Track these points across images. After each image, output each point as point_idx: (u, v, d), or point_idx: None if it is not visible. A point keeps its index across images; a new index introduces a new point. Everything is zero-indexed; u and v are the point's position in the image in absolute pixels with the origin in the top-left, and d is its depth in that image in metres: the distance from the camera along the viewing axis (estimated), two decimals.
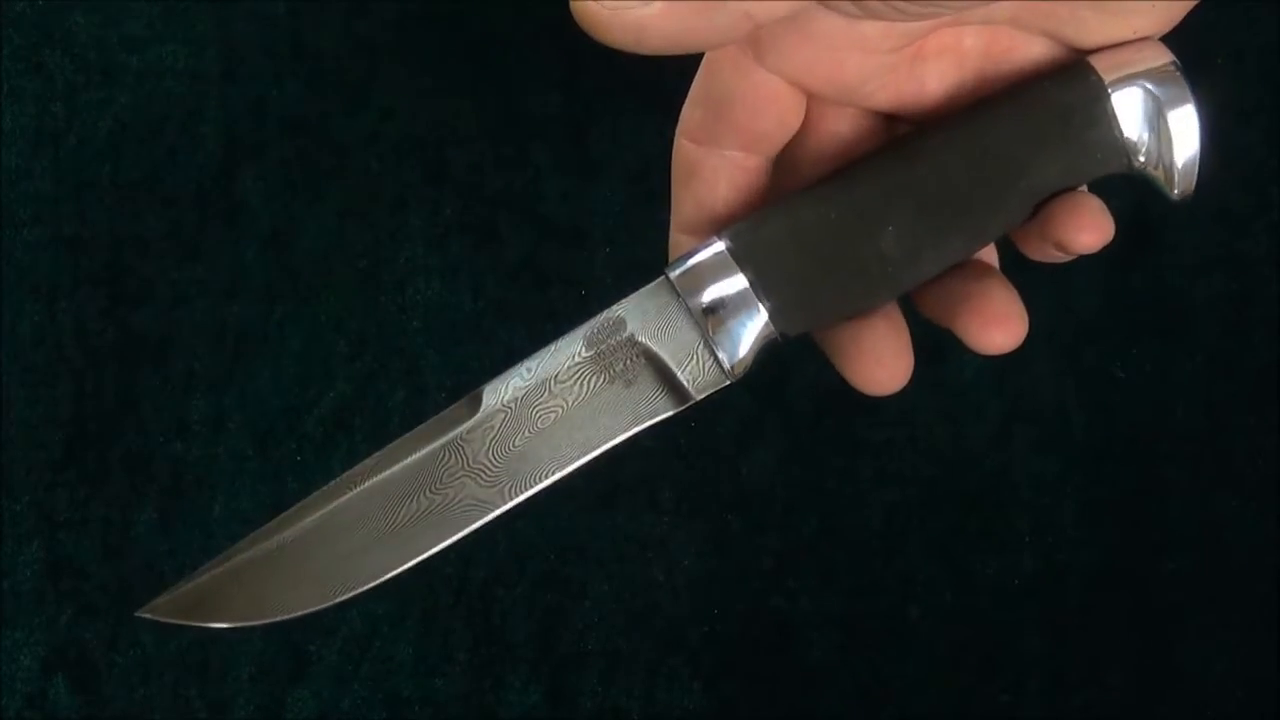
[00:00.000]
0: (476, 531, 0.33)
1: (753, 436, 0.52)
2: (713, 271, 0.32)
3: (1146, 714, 0.50)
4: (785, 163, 0.35)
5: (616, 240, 0.54)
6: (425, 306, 0.54)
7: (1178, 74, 0.32)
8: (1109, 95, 0.32)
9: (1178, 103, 0.32)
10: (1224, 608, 0.51)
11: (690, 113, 0.34)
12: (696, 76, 0.34)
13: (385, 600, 0.52)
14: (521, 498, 0.32)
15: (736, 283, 0.32)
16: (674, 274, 0.33)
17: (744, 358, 0.32)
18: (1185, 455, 0.52)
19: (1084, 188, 0.34)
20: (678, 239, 0.35)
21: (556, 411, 0.33)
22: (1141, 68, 0.32)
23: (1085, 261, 0.53)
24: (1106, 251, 0.53)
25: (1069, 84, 0.32)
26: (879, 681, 0.51)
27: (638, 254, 0.54)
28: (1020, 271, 0.54)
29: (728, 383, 0.33)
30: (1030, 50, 0.33)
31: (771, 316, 0.32)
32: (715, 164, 0.33)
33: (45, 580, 0.52)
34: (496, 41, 0.55)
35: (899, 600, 0.51)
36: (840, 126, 0.34)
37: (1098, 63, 0.32)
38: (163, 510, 0.52)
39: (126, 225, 0.54)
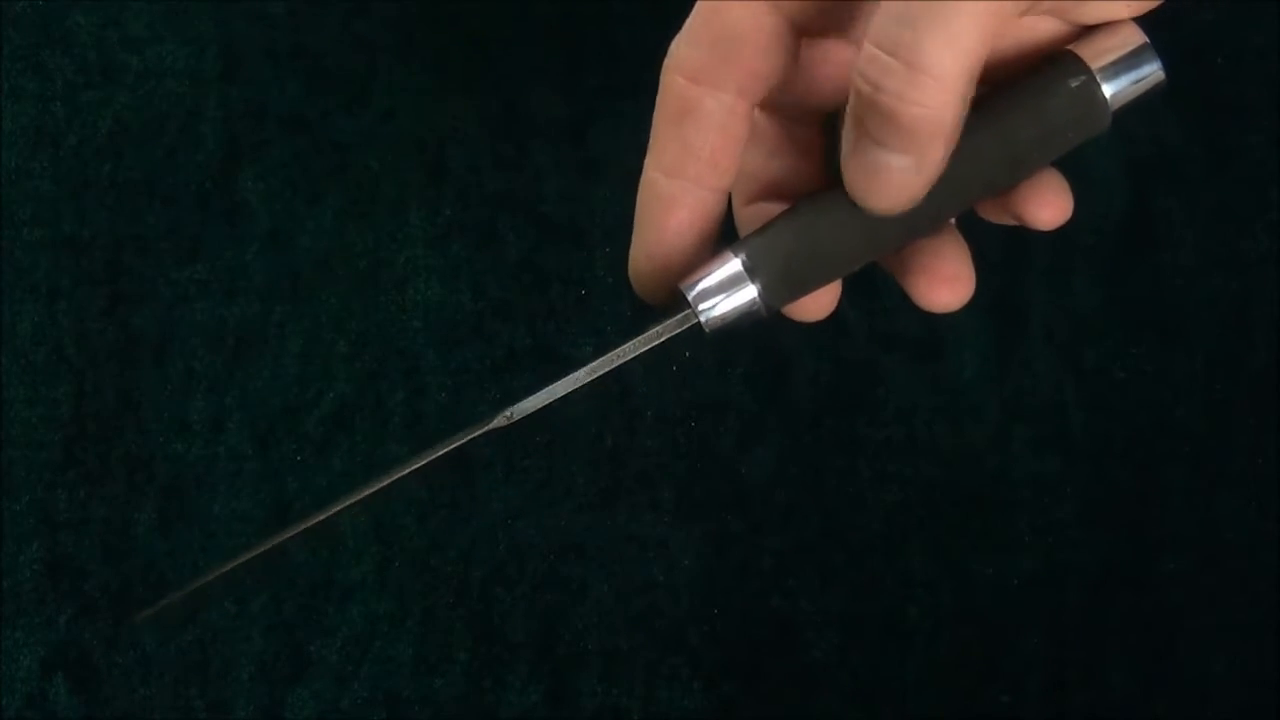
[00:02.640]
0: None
1: (753, 436, 0.52)
2: (727, 288, 0.33)
3: (1146, 714, 0.50)
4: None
5: (616, 240, 0.54)
6: (425, 306, 0.54)
7: (1150, 48, 0.33)
8: (1100, 85, 0.33)
9: (1150, 73, 0.33)
10: (1224, 608, 0.51)
11: (688, 51, 0.33)
12: (694, 14, 0.33)
13: (385, 600, 0.52)
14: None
15: (744, 289, 0.33)
16: (692, 294, 0.33)
17: (723, 329, 0.33)
18: (1185, 455, 0.52)
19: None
20: (654, 178, 0.34)
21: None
22: (1122, 52, 0.33)
23: (1085, 261, 0.54)
24: (1106, 251, 0.53)
25: (1062, 79, 0.33)
26: (879, 681, 0.51)
27: None
28: (1020, 272, 0.54)
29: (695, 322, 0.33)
30: (1036, 25, 0.33)
31: (762, 302, 0.33)
32: (711, 106, 0.33)
33: (45, 580, 0.52)
34: (496, 41, 0.55)
35: (899, 600, 0.51)
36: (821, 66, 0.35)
37: (1084, 52, 0.33)
38: (163, 510, 0.52)
39: (126, 225, 0.54)
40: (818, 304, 0.35)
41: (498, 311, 0.53)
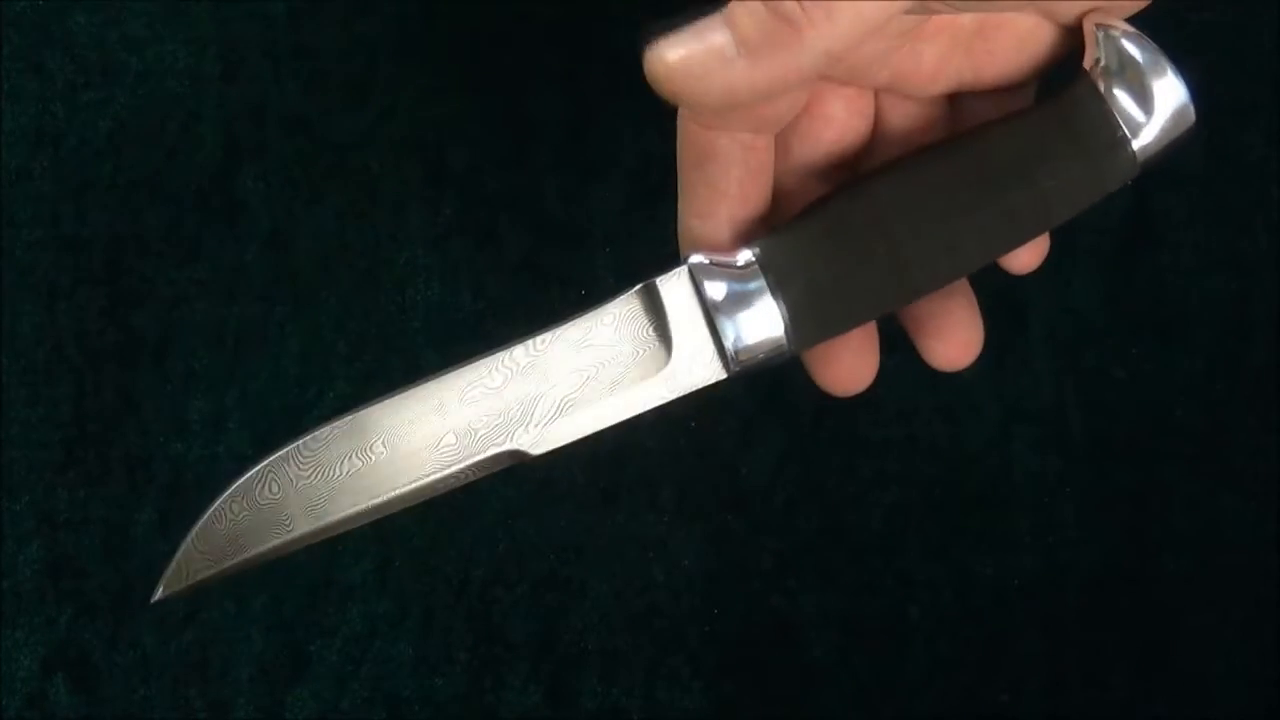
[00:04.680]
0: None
1: (753, 436, 0.52)
2: (740, 281, 0.33)
3: (1146, 714, 0.50)
4: (778, 146, 0.35)
5: (616, 240, 0.54)
6: (425, 306, 0.54)
7: (1164, 61, 0.32)
8: (1131, 143, 0.32)
9: (1182, 116, 0.32)
10: (1224, 608, 0.51)
11: None
12: None
13: (385, 600, 0.52)
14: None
15: (761, 295, 0.32)
16: (695, 263, 0.33)
17: (749, 364, 0.33)
18: (1185, 455, 0.52)
19: None
20: (690, 224, 0.35)
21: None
22: (1151, 101, 0.32)
23: (1085, 261, 0.53)
24: (1106, 251, 0.53)
25: (1076, 98, 0.32)
26: (879, 681, 0.51)
27: (638, 254, 0.54)
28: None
29: (723, 377, 0.33)
30: (1019, 24, 0.33)
31: (788, 334, 0.33)
32: (727, 146, 0.34)
33: (45, 580, 0.52)
34: (496, 41, 0.55)
35: (899, 600, 0.51)
36: (834, 108, 0.35)
37: (1098, 74, 0.32)
38: (163, 510, 0.52)
39: (126, 225, 0.54)
40: (854, 376, 0.35)
41: (498, 311, 0.54)
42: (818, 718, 0.51)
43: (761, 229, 0.34)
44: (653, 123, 0.54)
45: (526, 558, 0.52)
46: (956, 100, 0.36)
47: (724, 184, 0.34)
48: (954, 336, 0.35)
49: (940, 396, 0.52)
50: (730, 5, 0.30)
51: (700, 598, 0.52)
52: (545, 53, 0.55)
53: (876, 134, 0.36)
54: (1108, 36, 0.32)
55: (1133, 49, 0.32)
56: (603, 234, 0.54)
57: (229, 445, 0.53)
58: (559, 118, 0.54)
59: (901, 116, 0.35)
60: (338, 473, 0.34)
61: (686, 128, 0.34)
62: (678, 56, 0.30)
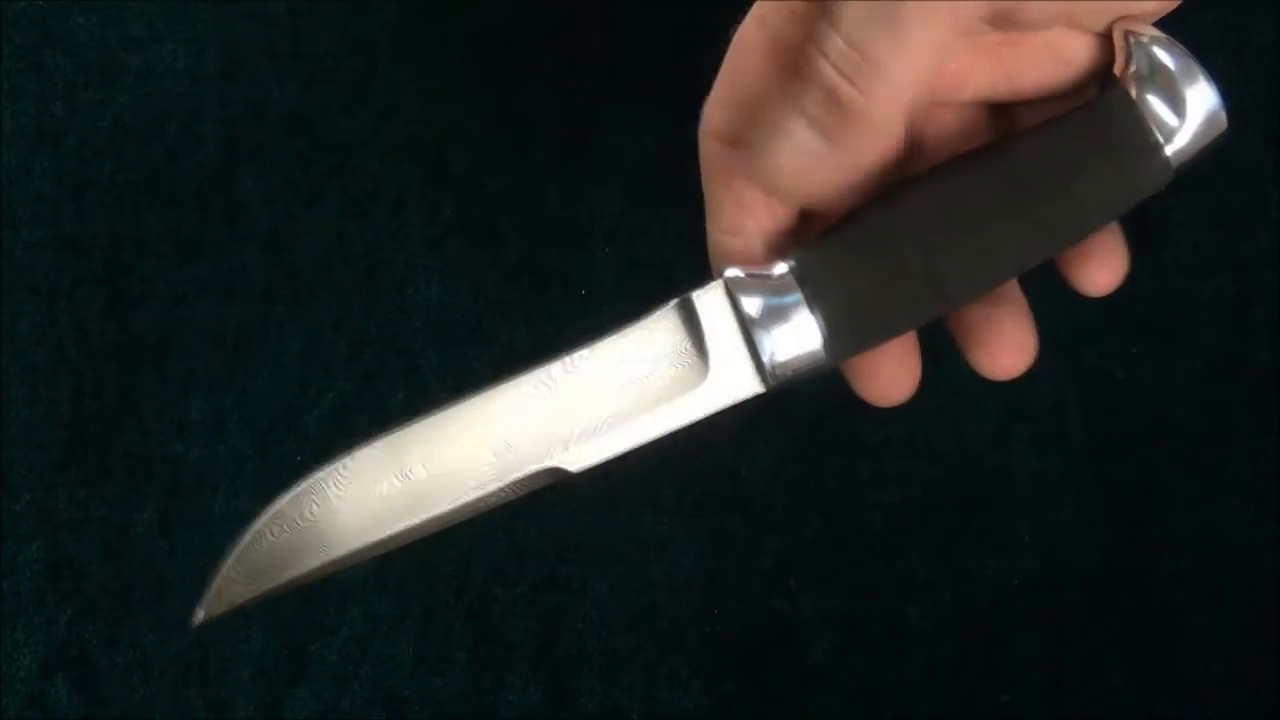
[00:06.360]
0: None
1: (753, 436, 0.52)
2: (776, 295, 0.32)
3: (1146, 714, 0.50)
4: None
5: (616, 240, 0.54)
6: (425, 306, 0.54)
7: (1195, 66, 0.32)
8: (1165, 148, 0.32)
9: (1215, 121, 0.32)
10: (1224, 608, 0.51)
11: (719, 114, 0.34)
12: (720, 77, 0.33)
13: (385, 600, 0.52)
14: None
15: (797, 309, 0.32)
16: (731, 276, 0.33)
17: (787, 378, 0.32)
18: (1185, 455, 0.52)
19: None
20: (718, 238, 0.34)
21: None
22: (1187, 108, 0.32)
23: None
24: None
25: (1109, 105, 0.32)
26: (879, 681, 0.51)
27: (638, 254, 0.54)
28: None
29: (761, 391, 0.33)
30: (1045, 31, 0.33)
31: (826, 346, 0.32)
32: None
33: (45, 580, 0.52)
34: (496, 41, 0.55)
35: (899, 600, 0.51)
36: None
37: (1128, 81, 0.32)
38: (163, 510, 0.52)
39: (126, 225, 0.54)
40: (897, 388, 0.35)
41: (498, 311, 0.54)
42: (818, 718, 0.51)
43: (792, 240, 0.34)
44: (652, 123, 0.54)
45: (526, 558, 0.52)
46: (999, 112, 0.35)
47: (749, 198, 0.33)
48: (1004, 345, 0.35)
49: (940, 397, 0.52)
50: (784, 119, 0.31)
51: (700, 598, 0.52)
52: (545, 53, 0.55)
53: (914, 145, 0.36)
54: (1137, 43, 0.32)
55: (1163, 55, 0.32)
56: (603, 234, 0.54)
57: (229, 445, 0.53)
58: (559, 118, 0.55)
59: (938, 126, 0.35)
60: (376, 494, 0.33)
61: (707, 144, 0.34)
62: (781, 169, 0.31)
